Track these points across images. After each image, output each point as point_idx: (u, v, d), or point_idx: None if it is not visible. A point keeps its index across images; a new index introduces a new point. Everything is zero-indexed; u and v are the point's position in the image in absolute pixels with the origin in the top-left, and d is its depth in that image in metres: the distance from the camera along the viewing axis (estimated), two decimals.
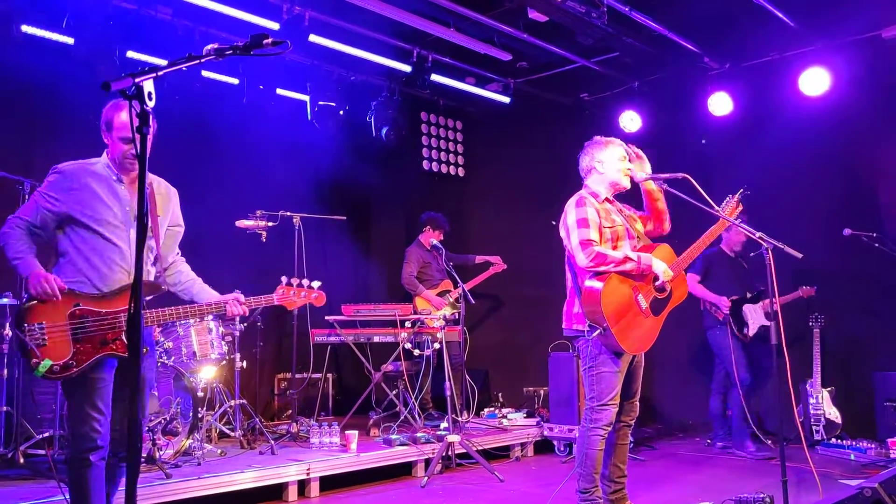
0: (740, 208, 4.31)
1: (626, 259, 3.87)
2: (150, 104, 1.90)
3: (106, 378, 3.10)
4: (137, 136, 1.87)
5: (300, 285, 3.59)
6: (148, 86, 1.89)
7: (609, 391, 3.91)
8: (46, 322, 3.01)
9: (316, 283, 3.63)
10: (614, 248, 3.99)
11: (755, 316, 6.47)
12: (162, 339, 5.36)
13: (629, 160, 4.17)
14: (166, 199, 3.43)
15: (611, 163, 4.13)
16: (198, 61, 2.11)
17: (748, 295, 6.48)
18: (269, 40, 2.19)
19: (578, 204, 4.02)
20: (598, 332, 3.83)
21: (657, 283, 4.00)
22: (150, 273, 3.33)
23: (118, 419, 3.14)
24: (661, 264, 3.96)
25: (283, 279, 3.58)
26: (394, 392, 6.79)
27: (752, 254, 6.34)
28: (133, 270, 3.04)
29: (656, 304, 4.01)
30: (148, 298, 3.26)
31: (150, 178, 3.33)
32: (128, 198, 3.23)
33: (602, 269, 3.86)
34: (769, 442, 6.43)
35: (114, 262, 3.16)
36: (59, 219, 3.15)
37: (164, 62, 2.13)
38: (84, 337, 3.06)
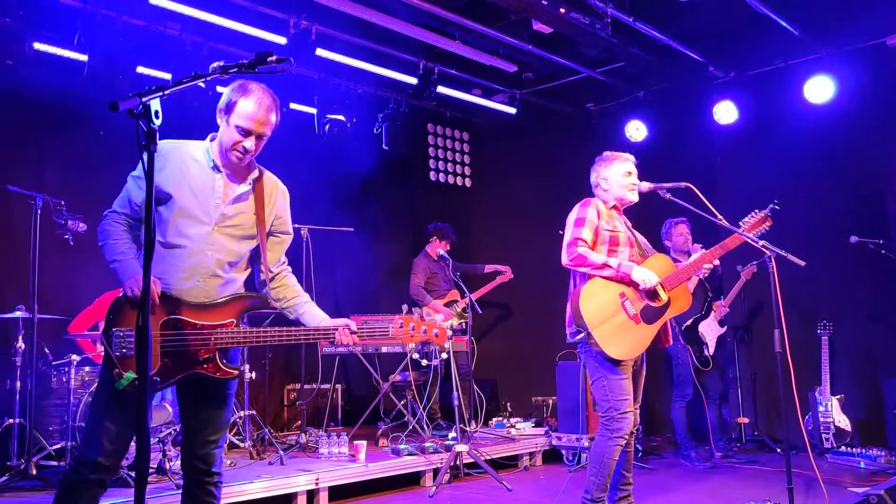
0: (769, 223, 4.21)
1: (605, 265, 3.86)
2: (157, 122, 1.94)
3: (184, 398, 2.85)
4: (145, 154, 1.91)
5: (421, 318, 3.18)
6: (155, 104, 1.94)
7: (623, 398, 3.88)
8: (126, 328, 2.67)
9: (439, 317, 3.20)
10: (611, 251, 3.99)
11: (711, 330, 6.47)
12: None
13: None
14: (272, 198, 2.99)
15: (615, 179, 4.18)
16: (204, 79, 2.16)
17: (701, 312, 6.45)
18: (274, 58, 2.24)
19: (584, 204, 4.09)
20: (581, 335, 3.85)
21: (643, 290, 3.91)
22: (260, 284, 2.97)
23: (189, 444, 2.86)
24: (642, 272, 3.87)
25: (405, 307, 3.20)
26: (402, 402, 6.82)
27: (755, 262, 6.36)
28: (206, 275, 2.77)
29: (649, 313, 3.94)
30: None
31: (260, 173, 2.96)
32: (220, 191, 2.83)
33: (582, 269, 3.91)
34: (778, 450, 6.42)
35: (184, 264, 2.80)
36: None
37: (172, 76, 2.19)
38: (174, 351, 2.70)
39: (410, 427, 6.45)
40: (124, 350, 2.63)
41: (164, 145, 2.80)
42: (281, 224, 3.03)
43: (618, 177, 4.18)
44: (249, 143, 2.80)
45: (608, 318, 3.84)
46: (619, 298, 3.88)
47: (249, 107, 2.76)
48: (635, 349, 3.91)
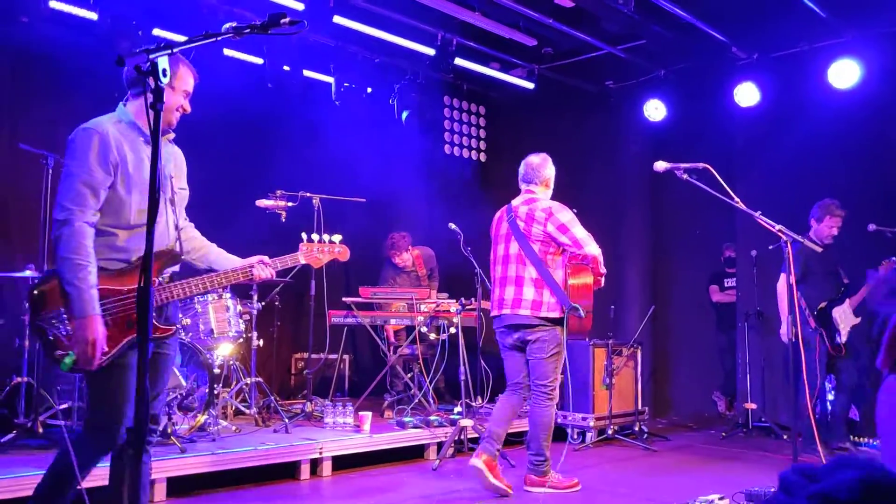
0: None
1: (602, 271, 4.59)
2: (165, 80, 1.90)
3: (133, 364, 2.80)
4: (151, 113, 1.87)
5: (321, 240, 3.39)
6: (163, 62, 1.89)
7: (561, 370, 4.70)
8: (56, 310, 2.69)
9: (337, 237, 3.43)
10: None
11: (846, 316, 6.09)
12: (180, 315, 5.41)
13: None
14: (179, 158, 3.15)
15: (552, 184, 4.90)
16: (214, 39, 2.11)
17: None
18: (287, 19, 2.19)
19: (564, 207, 4.67)
20: (586, 312, 4.47)
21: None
22: (172, 242, 3.00)
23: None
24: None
25: (304, 235, 3.38)
26: (409, 375, 6.81)
27: (770, 247, 6.23)
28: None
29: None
30: (173, 270, 2.98)
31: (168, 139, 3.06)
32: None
33: (597, 265, 4.53)
34: (785, 437, 6.38)
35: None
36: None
37: (191, 37, 2.14)
38: (108, 321, 2.73)
39: (416, 400, 6.45)
40: (60, 331, 2.67)
41: (100, 125, 2.80)
42: (184, 181, 3.17)
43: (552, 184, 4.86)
44: (188, 105, 2.99)
45: (590, 298, 4.58)
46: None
47: (189, 72, 2.96)
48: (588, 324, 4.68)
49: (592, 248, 4.46)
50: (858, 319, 6.21)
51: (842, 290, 6.16)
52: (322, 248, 3.36)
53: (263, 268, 3.07)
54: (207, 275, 3.02)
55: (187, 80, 2.94)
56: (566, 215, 4.59)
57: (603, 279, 4.62)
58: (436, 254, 7.50)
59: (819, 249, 3.86)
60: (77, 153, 2.72)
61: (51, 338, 2.68)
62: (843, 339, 6.03)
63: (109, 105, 3.27)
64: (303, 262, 3.31)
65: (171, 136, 3.04)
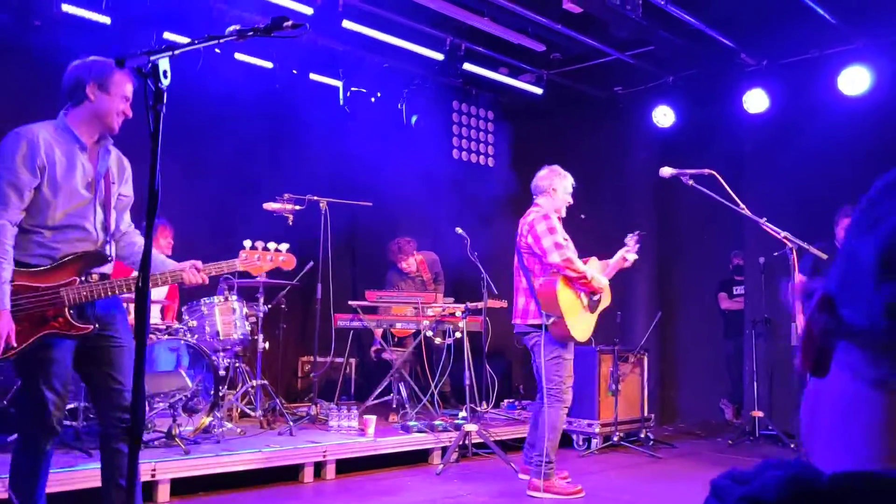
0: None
1: (585, 274, 4.68)
2: (165, 82, 1.91)
3: (58, 358, 2.90)
4: (151, 114, 1.88)
5: (266, 248, 3.39)
6: (163, 64, 1.91)
7: (570, 374, 4.77)
8: None
9: (284, 246, 3.43)
10: None
11: None
12: (186, 317, 5.44)
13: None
14: (122, 167, 3.19)
15: (564, 192, 4.95)
16: (217, 41, 2.12)
17: None
18: (290, 23, 2.20)
19: (546, 217, 4.80)
20: (552, 319, 4.60)
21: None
22: (100, 243, 3.06)
23: (104, 404, 3.00)
24: (600, 281, 4.81)
25: (247, 243, 3.39)
26: (413, 379, 6.81)
27: (776, 253, 6.18)
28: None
29: (592, 304, 4.87)
30: (104, 272, 3.05)
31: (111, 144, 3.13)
32: (89, 166, 3.02)
33: (568, 271, 4.64)
34: (792, 445, 6.34)
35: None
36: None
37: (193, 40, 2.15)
38: (20, 316, 2.81)
39: (421, 404, 6.45)
40: None
41: (30, 129, 2.91)
42: (128, 187, 3.23)
43: (566, 192, 4.95)
44: (129, 109, 3.04)
45: (574, 307, 4.69)
46: (577, 291, 4.77)
47: (124, 78, 3.00)
48: (588, 332, 4.84)
49: (553, 257, 4.64)
50: None
51: None
52: (264, 256, 3.37)
53: (195, 273, 3.11)
54: (135, 276, 3.07)
55: (123, 85, 3.00)
56: (542, 226, 4.77)
57: (594, 282, 4.72)
58: (442, 258, 7.50)
59: (824, 257, 3.84)
60: (4, 155, 2.83)
61: None
62: None
63: None
64: (240, 269, 3.34)
65: (111, 141, 3.11)
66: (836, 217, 6.05)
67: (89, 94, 2.95)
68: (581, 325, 4.74)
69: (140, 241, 3.23)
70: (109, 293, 2.97)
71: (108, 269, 3.08)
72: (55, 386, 2.87)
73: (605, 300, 4.97)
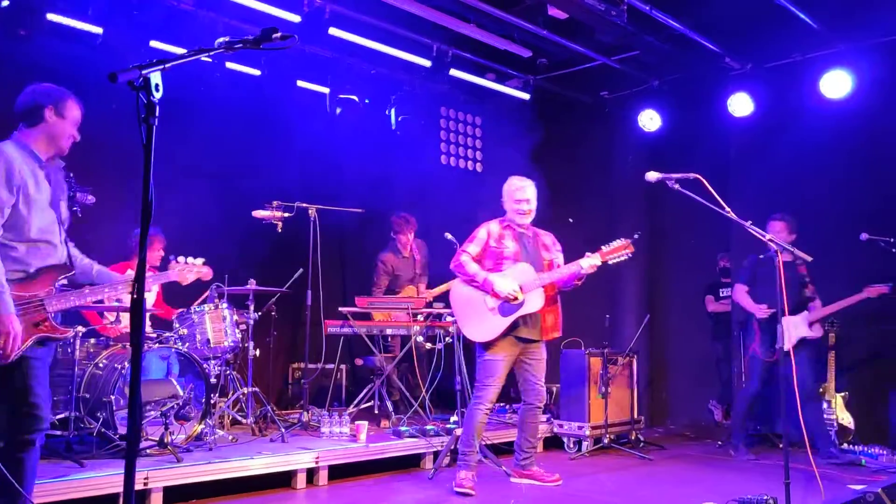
0: (630, 250, 5.00)
1: (474, 277, 4.95)
2: (157, 95, 1.94)
3: (44, 358, 3.16)
4: (144, 127, 1.91)
5: (186, 262, 3.82)
6: (155, 77, 1.94)
7: (488, 375, 4.95)
8: None
9: (200, 260, 3.84)
10: (496, 265, 5.02)
11: (796, 328, 6.16)
12: (177, 325, 5.45)
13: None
14: (63, 188, 3.44)
15: (509, 201, 5.16)
16: (207, 54, 2.15)
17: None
18: (279, 34, 2.23)
19: (481, 225, 5.16)
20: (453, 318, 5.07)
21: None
22: (65, 257, 3.29)
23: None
24: (501, 284, 4.86)
25: (181, 258, 3.81)
26: (404, 384, 6.83)
27: (760, 256, 6.24)
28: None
29: (505, 308, 4.92)
30: (68, 279, 3.29)
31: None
32: (46, 184, 3.22)
33: (460, 275, 5.05)
34: (780, 445, 6.40)
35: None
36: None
37: (184, 52, 2.18)
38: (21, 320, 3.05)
39: (412, 409, 6.47)
40: None
41: (4, 150, 3.07)
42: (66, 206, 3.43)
43: (511, 199, 5.13)
44: (77, 134, 3.29)
45: (467, 308, 5.00)
46: (482, 294, 4.97)
47: (76, 105, 3.28)
48: (488, 334, 4.93)
49: (453, 260, 5.10)
50: (811, 332, 6.21)
51: (805, 301, 6.24)
52: (190, 268, 3.82)
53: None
54: (91, 287, 3.38)
55: (75, 111, 3.27)
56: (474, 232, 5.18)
57: (485, 284, 4.91)
58: (432, 264, 7.53)
59: (809, 259, 3.89)
60: None
61: None
62: (788, 346, 5.87)
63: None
64: (174, 278, 3.77)
65: (62, 162, 3.35)
66: (767, 222, 6.16)
67: (47, 118, 3.19)
68: (477, 325, 4.96)
69: (80, 254, 3.46)
70: (77, 303, 3.27)
71: (85, 280, 3.40)
72: (42, 383, 3.09)
73: (531, 306, 4.92)
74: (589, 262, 4.90)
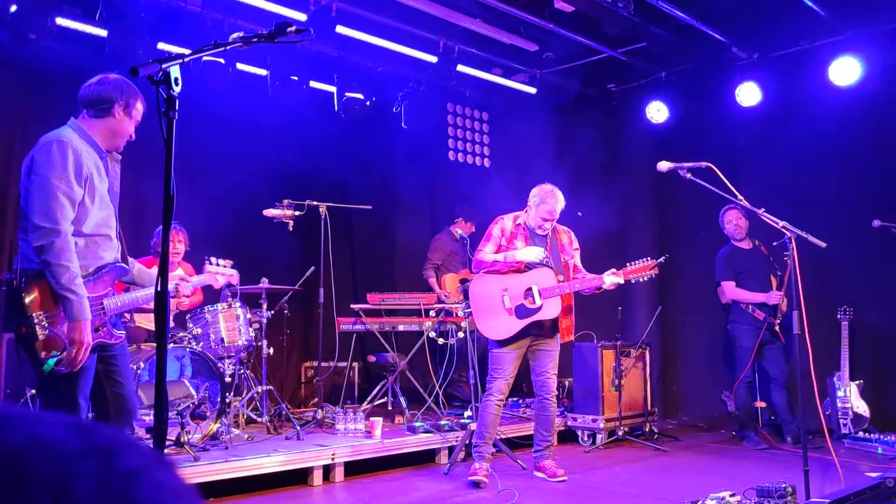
0: (655, 272, 5.17)
1: (495, 261, 4.97)
2: (177, 89, 1.95)
3: (91, 367, 2.93)
4: (164, 120, 1.92)
5: (218, 264, 3.78)
6: (174, 71, 1.95)
7: (497, 367, 5.00)
8: (44, 311, 2.79)
9: (228, 262, 3.81)
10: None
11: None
12: (191, 325, 5.46)
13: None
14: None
15: (537, 212, 5.08)
16: (223, 48, 2.16)
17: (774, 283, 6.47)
18: (293, 28, 2.24)
19: (494, 222, 5.16)
20: (469, 312, 5.14)
21: (524, 292, 4.92)
22: (119, 250, 3.17)
23: (112, 415, 3.03)
24: (525, 253, 4.92)
25: (213, 259, 3.77)
26: (418, 380, 6.84)
27: (774, 243, 6.23)
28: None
29: (522, 310, 4.93)
30: (125, 281, 3.26)
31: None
32: (105, 176, 3.13)
33: (483, 269, 5.04)
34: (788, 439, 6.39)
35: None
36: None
37: (200, 47, 2.19)
38: None
39: (426, 405, 6.48)
40: (47, 332, 2.77)
41: (71, 140, 2.94)
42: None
43: (536, 208, 5.07)
44: (133, 133, 3.20)
45: (485, 304, 5.00)
46: (501, 293, 4.98)
47: (143, 106, 3.17)
48: (501, 333, 4.96)
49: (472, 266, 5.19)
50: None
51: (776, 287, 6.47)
52: (221, 272, 3.77)
53: (186, 285, 3.45)
54: (140, 291, 3.27)
55: (140, 113, 3.17)
56: (489, 230, 5.19)
57: (503, 259, 4.98)
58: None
59: (823, 245, 3.88)
60: (56, 166, 2.84)
61: (41, 338, 2.76)
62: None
63: None
64: (209, 282, 3.72)
65: (120, 156, 3.25)
66: (721, 212, 6.29)
67: (115, 112, 3.06)
68: (491, 322, 4.98)
69: (130, 260, 3.34)
70: (126, 309, 3.14)
71: (128, 279, 3.25)
72: (86, 396, 2.92)
73: (548, 312, 4.91)
74: (612, 280, 4.91)
